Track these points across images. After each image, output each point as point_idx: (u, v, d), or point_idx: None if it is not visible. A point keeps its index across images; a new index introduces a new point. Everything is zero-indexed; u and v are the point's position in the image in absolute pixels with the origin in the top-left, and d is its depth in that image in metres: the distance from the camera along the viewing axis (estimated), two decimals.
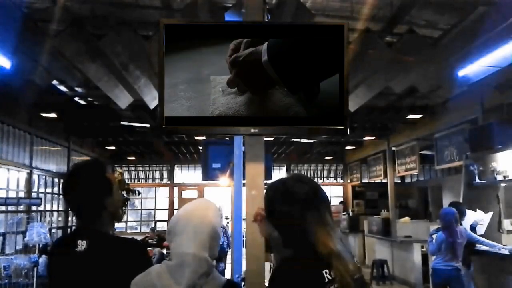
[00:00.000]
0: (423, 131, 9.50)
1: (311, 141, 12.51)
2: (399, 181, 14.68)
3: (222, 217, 10.76)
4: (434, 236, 5.23)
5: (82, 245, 1.70)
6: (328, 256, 1.41)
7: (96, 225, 1.78)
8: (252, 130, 2.58)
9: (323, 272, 1.40)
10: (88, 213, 1.79)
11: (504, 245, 5.45)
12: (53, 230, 10.02)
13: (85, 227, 1.79)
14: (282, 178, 1.63)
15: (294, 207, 1.49)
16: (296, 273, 1.43)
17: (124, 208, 11.13)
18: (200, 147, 9.58)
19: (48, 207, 10.09)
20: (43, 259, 6.54)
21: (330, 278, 1.39)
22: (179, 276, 1.46)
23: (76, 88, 7.60)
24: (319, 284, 1.39)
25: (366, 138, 12.18)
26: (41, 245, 7.00)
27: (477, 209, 5.84)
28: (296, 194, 1.51)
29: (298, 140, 12.16)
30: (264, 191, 2.76)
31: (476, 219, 5.64)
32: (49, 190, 10.18)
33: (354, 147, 14.37)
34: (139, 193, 12.42)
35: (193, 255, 1.47)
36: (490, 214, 5.80)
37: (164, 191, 15.99)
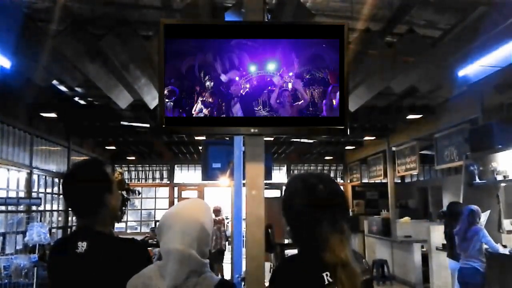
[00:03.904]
0: (423, 131, 9.51)
1: (311, 141, 12.51)
2: (399, 181, 14.68)
3: (224, 219, 10.81)
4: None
5: (82, 246, 1.70)
6: (334, 264, 1.38)
7: (96, 225, 1.77)
8: (252, 130, 2.58)
9: (324, 274, 1.39)
10: (88, 212, 1.79)
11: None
12: (53, 230, 10.01)
13: (85, 228, 1.79)
14: (304, 174, 1.58)
15: (311, 208, 1.46)
16: (295, 273, 1.43)
17: (124, 208, 11.14)
18: (200, 147, 9.58)
19: (48, 207, 10.08)
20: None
21: (330, 280, 1.38)
22: (165, 273, 1.45)
23: (76, 88, 7.60)
24: (318, 286, 1.39)
25: (366, 138, 12.17)
26: (41, 245, 7.00)
27: None
28: (315, 195, 1.47)
29: (298, 140, 12.16)
30: (264, 191, 2.76)
31: None
32: (49, 190, 10.18)
33: (354, 147, 14.36)
34: (139, 193, 12.43)
35: (177, 251, 1.46)
36: (488, 212, 5.81)
37: (164, 191, 15.99)
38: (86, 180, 1.80)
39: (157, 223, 1.63)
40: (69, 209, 1.78)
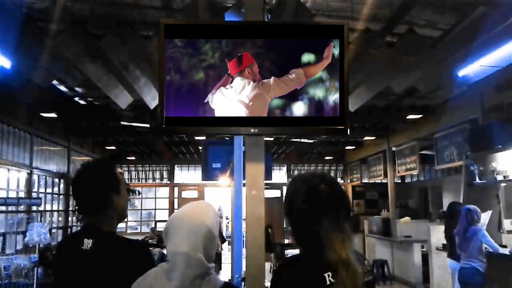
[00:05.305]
0: (423, 131, 9.51)
1: (311, 141, 12.51)
2: (399, 181, 14.68)
3: (222, 217, 10.80)
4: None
5: (88, 243, 1.72)
6: (335, 263, 1.38)
7: (102, 224, 1.80)
8: (252, 130, 2.58)
9: (325, 274, 1.39)
10: (95, 211, 1.81)
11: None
12: (53, 230, 10.02)
13: (91, 226, 1.81)
14: (306, 174, 1.60)
15: (312, 207, 1.46)
16: (297, 273, 1.43)
17: None
18: (200, 147, 9.59)
19: (48, 207, 10.08)
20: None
21: (332, 281, 1.38)
22: (172, 276, 1.46)
23: (76, 88, 7.60)
24: (320, 287, 1.39)
25: (366, 138, 12.18)
26: (41, 245, 7.00)
27: None
28: (316, 195, 1.47)
29: (298, 140, 12.16)
30: (264, 191, 2.76)
31: None
32: (49, 190, 10.18)
33: (354, 147, 14.37)
34: (139, 193, 12.45)
35: (184, 254, 1.45)
36: (489, 212, 5.81)
37: (164, 191, 15.98)
38: (94, 180, 1.82)
39: (163, 225, 1.63)
40: (77, 207, 1.83)
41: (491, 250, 5.27)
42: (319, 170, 16.50)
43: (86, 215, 1.86)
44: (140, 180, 16.05)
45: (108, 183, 1.83)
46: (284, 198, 1.56)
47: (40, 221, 8.73)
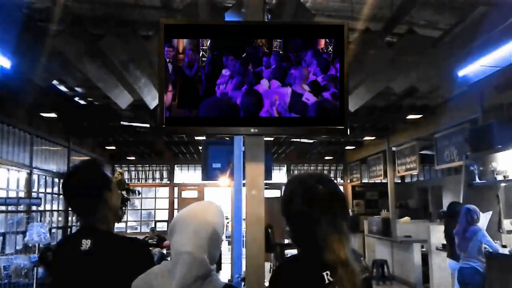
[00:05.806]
0: (423, 131, 9.51)
1: (311, 141, 12.51)
2: (399, 181, 14.68)
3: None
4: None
5: (86, 244, 1.72)
6: (334, 263, 1.39)
7: (99, 223, 1.80)
8: (252, 130, 2.58)
9: (324, 274, 1.39)
10: (89, 211, 1.81)
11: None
12: (53, 230, 10.01)
13: (89, 227, 1.81)
14: (303, 174, 1.60)
15: (310, 208, 1.46)
16: (296, 272, 1.43)
17: (124, 208, 11.14)
18: (200, 147, 9.59)
19: (48, 207, 10.08)
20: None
21: (331, 280, 1.38)
22: (174, 275, 1.45)
23: (76, 88, 7.60)
24: (319, 286, 1.39)
25: (366, 138, 12.18)
26: (41, 245, 7.00)
27: None
28: (314, 195, 1.47)
29: (298, 140, 12.17)
30: (264, 191, 2.76)
31: None
32: (49, 190, 10.18)
33: (354, 147, 14.37)
34: (139, 193, 12.44)
35: (187, 254, 1.45)
36: (490, 213, 5.81)
37: (164, 191, 15.98)
38: (84, 180, 1.82)
39: (163, 225, 1.63)
40: (70, 209, 1.84)
41: (490, 250, 5.27)
42: (319, 170, 16.50)
43: (81, 216, 1.86)
44: (140, 180, 16.06)
45: (99, 183, 1.83)
46: (281, 199, 1.56)
47: (40, 221, 8.72)
